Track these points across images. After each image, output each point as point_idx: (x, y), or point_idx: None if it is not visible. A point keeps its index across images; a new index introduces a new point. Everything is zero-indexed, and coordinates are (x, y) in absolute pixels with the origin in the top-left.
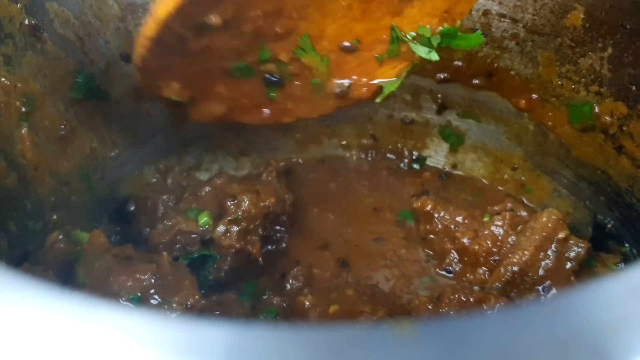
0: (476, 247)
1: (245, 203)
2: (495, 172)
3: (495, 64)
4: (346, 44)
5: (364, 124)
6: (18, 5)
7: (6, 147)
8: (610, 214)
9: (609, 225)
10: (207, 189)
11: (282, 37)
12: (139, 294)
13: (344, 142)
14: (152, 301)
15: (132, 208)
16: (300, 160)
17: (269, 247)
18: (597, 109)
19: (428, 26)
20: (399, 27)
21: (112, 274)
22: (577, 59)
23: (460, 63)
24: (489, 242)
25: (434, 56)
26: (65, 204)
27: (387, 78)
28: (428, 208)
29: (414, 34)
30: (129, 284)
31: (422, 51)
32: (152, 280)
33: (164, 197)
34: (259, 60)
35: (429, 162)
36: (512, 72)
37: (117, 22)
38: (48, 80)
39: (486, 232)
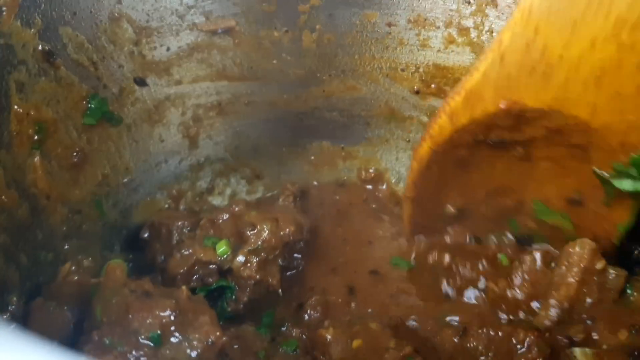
0: (517, 294)
1: (265, 232)
2: None
3: None
4: (571, 198)
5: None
6: (32, 30)
7: (18, 177)
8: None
9: (635, 252)
10: (225, 216)
11: (518, 209)
12: (159, 332)
13: (358, 166)
14: (172, 339)
15: (146, 235)
16: (315, 183)
17: (286, 273)
18: None
19: (619, 162)
20: (600, 168)
21: (131, 310)
22: None
23: None
24: (526, 285)
25: None
26: (77, 233)
27: (620, 218)
28: (445, 263)
29: (609, 173)
30: (148, 321)
31: (627, 185)
32: (172, 317)
33: (179, 223)
34: (510, 231)
35: None
36: None
37: (132, 45)
38: (61, 106)
39: (519, 275)
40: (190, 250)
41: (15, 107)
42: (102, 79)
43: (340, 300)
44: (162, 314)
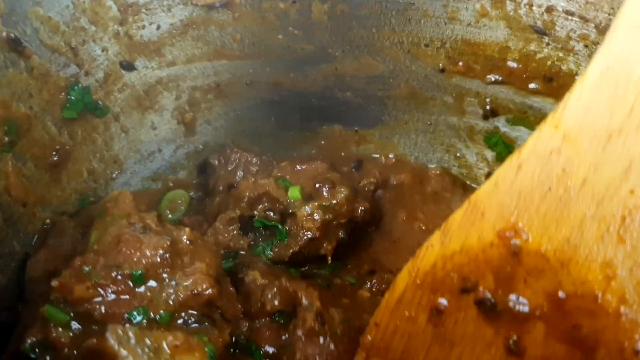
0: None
1: (342, 195)
2: None
3: (558, 68)
4: None
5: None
6: None
7: None
8: None
9: None
10: (305, 166)
11: None
12: (141, 271)
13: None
14: (153, 281)
15: (215, 161)
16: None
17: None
18: None
19: None
20: None
21: (122, 243)
22: None
23: (515, 64)
24: None
25: None
26: None
27: None
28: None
29: None
30: (135, 257)
31: None
32: (160, 258)
33: (251, 157)
34: None
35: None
36: (576, 77)
37: (116, 25)
38: (35, 100)
39: None
40: (264, 181)
41: None
42: (83, 66)
43: None
44: (151, 252)
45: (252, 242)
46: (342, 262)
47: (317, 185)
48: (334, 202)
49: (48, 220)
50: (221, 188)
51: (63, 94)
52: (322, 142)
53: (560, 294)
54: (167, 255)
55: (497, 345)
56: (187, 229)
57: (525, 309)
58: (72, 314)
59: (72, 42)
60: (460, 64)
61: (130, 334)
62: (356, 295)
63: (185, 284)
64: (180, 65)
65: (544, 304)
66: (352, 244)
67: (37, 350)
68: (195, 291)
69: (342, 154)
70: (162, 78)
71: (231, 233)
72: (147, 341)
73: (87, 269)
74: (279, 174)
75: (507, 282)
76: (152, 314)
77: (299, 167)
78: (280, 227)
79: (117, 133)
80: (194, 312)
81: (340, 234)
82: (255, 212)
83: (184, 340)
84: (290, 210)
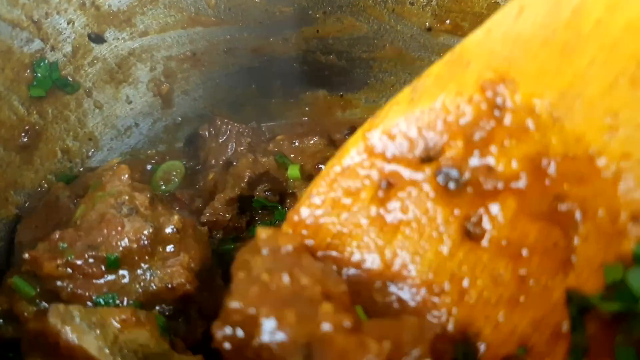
0: None
1: None
2: None
3: None
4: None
5: None
6: None
7: None
8: None
9: None
10: (303, 142)
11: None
12: (117, 255)
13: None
14: (125, 269)
15: (206, 132)
16: None
17: None
18: None
19: (617, 262)
20: (578, 289)
21: (104, 223)
22: None
23: None
24: None
25: None
26: None
27: None
28: None
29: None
30: (113, 241)
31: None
32: (137, 245)
33: (242, 128)
34: None
35: None
36: None
37: None
38: None
39: None
40: (265, 160)
41: None
42: (49, 40)
43: None
44: (131, 237)
45: (249, 220)
46: None
47: (318, 166)
48: None
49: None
50: (213, 162)
51: (28, 71)
52: (306, 109)
53: (544, 160)
54: (147, 242)
55: (453, 230)
56: (176, 217)
57: (498, 183)
58: (38, 290)
59: (34, 15)
60: (448, 22)
61: (75, 313)
62: None
63: (161, 275)
64: (153, 35)
65: (521, 174)
66: None
67: (0, 320)
68: (170, 285)
69: (331, 120)
70: (134, 49)
71: (231, 213)
72: (93, 318)
73: (63, 245)
74: (276, 149)
75: (481, 147)
76: (118, 302)
77: (297, 143)
78: (279, 207)
79: (90, 109)
80: (168, 307)
81: None
82: (256, 193)
83: (132, 313)
84: (290, 191)
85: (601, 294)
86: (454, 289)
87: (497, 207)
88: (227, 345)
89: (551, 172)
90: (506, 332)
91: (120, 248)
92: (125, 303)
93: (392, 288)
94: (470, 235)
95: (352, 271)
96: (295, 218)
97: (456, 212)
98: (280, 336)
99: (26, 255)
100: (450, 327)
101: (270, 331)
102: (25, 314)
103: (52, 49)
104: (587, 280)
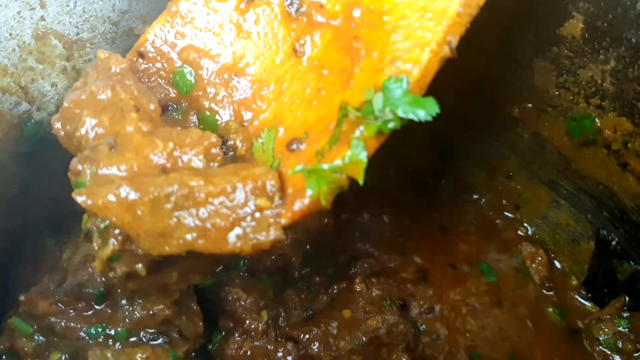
0: None
1: None
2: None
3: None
4: (294, 142)
5: None
6: None
7: None
8: (614, 231)
9: (613, 243)
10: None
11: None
12: (102, 290)
13: None
14: (107, 304)
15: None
16: None
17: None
18: (598, 123)
19: (373, 88)
20: (348, 103)
21: (89, 263)
22: (576, 69)
23: None
24: None
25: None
26: None
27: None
28: None
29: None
30: (97, 278)
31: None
32: (117, 280)
33: None
34: None
35: None
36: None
37: (63, 62)
38: None
39: None
40: None
41: None
42: (35, 102)
43: None
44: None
45: None
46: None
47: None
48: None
49: None
50: None
51: (17, 130)
52: None
53: (355, 9)
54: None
55: (287, 46)
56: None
57: (323, 18)
58: (35, 327)
59: (21, 82)
60: None
61: (109, 355)
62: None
63: (143, 304)
64: None
65: (340, 14)
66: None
67: (3, 357)
68: (151, 312)
69: None
70: None
71: None
72: (122, 358)
73: (53, 286)
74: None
75: None
76: (108, 331)
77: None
78: None
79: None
80: (151, 330)
81: (307, 247)
82: None
83: (152, 352)
84: None
85: (358, 106)
86: (277, 89)
87: (318, 36)
88: (61, 133)
89: (356, 17)
90: (300, 122)
91: (104, 284)
92: (113, 332)
93: (235, 80)
94: (296, 53)
95: (209, 62)
96: (174, 9)
97: (292, 34)
98: (96, 131)
99: (22, 297)
100: (268, 115)
101: (89, 127)
102: (25, 349)
103: (38, 109)
104: (354, 97)
